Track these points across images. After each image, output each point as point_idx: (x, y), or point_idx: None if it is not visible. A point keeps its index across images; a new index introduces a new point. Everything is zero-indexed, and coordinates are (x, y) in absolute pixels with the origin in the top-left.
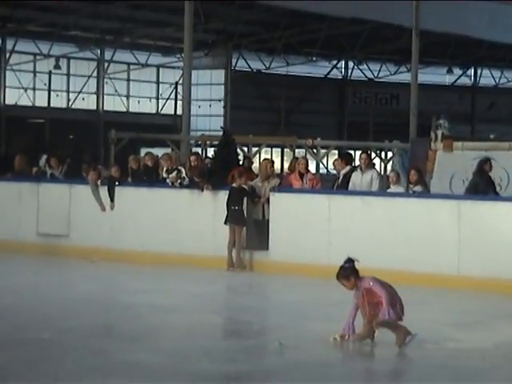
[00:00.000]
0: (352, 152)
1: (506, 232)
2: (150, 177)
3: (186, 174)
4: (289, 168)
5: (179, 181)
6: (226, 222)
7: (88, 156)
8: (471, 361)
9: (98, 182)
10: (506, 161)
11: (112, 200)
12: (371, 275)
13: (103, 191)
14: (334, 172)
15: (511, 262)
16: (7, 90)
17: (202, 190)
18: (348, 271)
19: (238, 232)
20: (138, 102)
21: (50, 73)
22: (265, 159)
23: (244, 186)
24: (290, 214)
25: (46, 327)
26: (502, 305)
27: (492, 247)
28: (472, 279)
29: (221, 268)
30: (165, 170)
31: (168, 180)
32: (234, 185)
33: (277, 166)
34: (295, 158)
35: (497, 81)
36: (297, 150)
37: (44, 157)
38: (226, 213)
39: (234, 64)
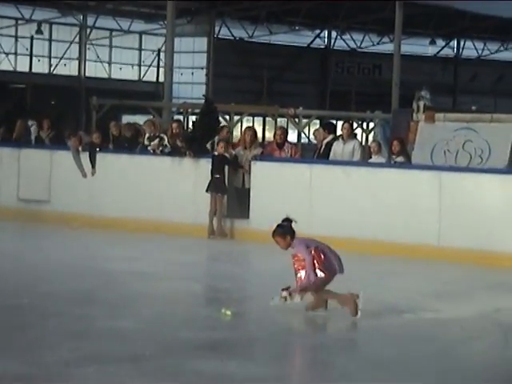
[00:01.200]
0: (334, 122)
1: (487, 203)
2: (130, 146)
3: (168, 141)
4: (274, 137)
5: (161, 148)
6: (207, 190)
7: (66, 121)
8: (450, 331)
9: (80, 148)
10: (488, 132)
11: (93, 166)
12: (302, 237)
13: (85, 157)
14: (315, 142)
15: (491, 233)
16: None
17: (185, 155)
18: (285, 229)
19: (219, 200)
20: (120, 68)
21: (31, 38)
22: (247, 127)
23: (226, 155)
24: (270, 183)
25: (26, 293)
26: (481, 276)
27: (472, 218)
28: (452, 250)
29: (201, 236)
30: (146, 137)
31: (150, 147)
32: (215, 153)
33: (259, 135)
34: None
35: (479, 52)
36: (279, 119)
37: (31, 122)
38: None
39: (216, 32)
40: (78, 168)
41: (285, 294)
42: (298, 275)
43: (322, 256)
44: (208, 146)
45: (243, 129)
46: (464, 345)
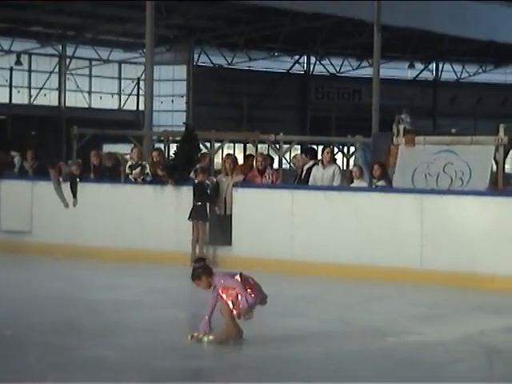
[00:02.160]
0: (315, 147)
1: (468, 225)
2: (111, 175)
3: (149, 169)
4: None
5: (142, 177)
6: (189, 218)
7: (47, 152)
8: (434, 354)
9: (60, 179)
10: (468, 155)
11: (74, 196)
12: (221, 272)
13: (66, 188)
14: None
15: (473, 255)
16: None
17: (167, 183)
18: (199, 271)
19: (202, 228)
20: (100, 97)
21: (11, 69)
22: (227, 155)
23: (207, 182)
24: (253, 210)
25: (8, 324)
26: (464, 298)
27: (454, 241)
28: (434, 273)
29: (184, 263)
30: (128, 165)
31: (131, 176)
32: (196, 180)
33: (239, 161)
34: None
35: (458, 75)
36: (259, 146)
37: (14, 153)
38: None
39: (196, 59)
40: (60, 198)
41: (195, 334)
42: (241, 300)
43: (250, 280)
44: (192, 174)
45: (224, 156)
46: (449, 367)
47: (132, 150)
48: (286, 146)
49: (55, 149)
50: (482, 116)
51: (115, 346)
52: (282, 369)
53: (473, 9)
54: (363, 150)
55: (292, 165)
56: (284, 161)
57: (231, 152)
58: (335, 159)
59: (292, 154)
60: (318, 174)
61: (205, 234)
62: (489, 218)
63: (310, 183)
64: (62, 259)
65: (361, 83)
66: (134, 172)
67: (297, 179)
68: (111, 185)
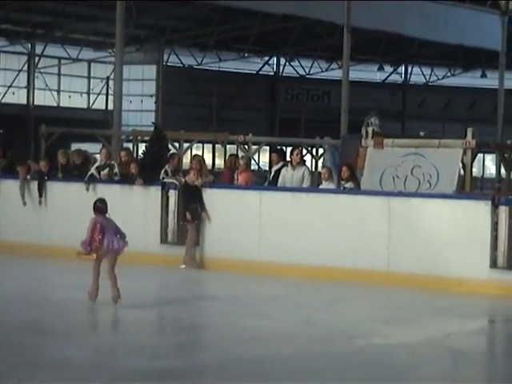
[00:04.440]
0: (283, 148)
1: (435, 228)
2: (80, 173)
3: (117, 169)
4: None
5: (110, 177)
6: (181, 221)
7: (15, 150)
8: (400, 356)
9: (28, 177)
10: (436, 158)
11: (40, 195)
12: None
13: (34, 186)
14: (266, 168)
15: (440, 258)
16: None
17: (136, 180)
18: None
19: (192, 229)
20: (69, 96)
21: None
22: (194, 156)
23: (197, 183)
24: (221, 210)
25: None
26: (430, 301)
27: (421, 243)
28: (401, 275)
29: (152, 264)
30: (95, 166)
31: (101, 176)
32: (183, 181)
33: (208, 161)
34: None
35: (427, 78)
36: (228, 146)
37: None
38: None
39: (165, 59)
40: (21, 195)
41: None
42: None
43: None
44: (162, 174)
45: (192, 157)
46: (414, 370)
47: (100, 151)
48: (254, 147)
49: (23, 147)
50: (450, 119)
51: (80, 345)
52: (249, 370)
53: (442, 12)
54: (332, 152)
55: (262, 165)
56: (253, 161)
57: (200, 152)
58: (304, 161)
59: (261, 155)
60: (288, 175)
61: (195, 235)
62: (456, 221)
63: (279, 184)
64: (28, 258)
65: (330, 85)
66: (102, 173)
67: (267, 180)
68: (79, 184)
